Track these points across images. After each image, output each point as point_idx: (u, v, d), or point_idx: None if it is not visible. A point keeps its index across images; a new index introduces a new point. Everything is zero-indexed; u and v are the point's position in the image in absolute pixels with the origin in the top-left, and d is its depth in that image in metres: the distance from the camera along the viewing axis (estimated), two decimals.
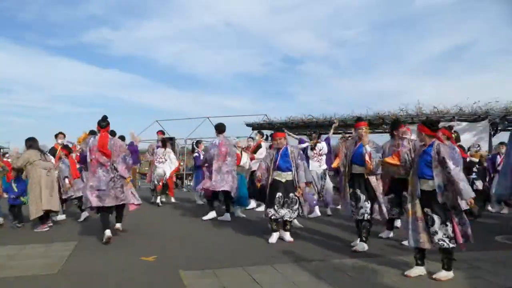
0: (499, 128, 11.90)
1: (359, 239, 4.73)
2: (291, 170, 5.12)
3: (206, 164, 8.62)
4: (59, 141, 7.74)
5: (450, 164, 3.39)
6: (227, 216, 6.84)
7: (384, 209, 4.71)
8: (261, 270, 3.80)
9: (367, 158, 4.50)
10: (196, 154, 9.44)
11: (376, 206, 4.68)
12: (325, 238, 5.37)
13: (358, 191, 4.66)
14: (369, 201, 4.61)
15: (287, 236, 5.12)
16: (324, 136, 8.19)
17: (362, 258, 4.27)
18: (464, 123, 11.36)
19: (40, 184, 5.83)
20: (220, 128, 7.22)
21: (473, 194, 3.40)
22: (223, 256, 4.42)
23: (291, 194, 5.04)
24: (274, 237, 5.09)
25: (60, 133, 7.87)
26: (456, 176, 3.36)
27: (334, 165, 5.42)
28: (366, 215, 4.59)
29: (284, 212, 5.01)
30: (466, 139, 8.82)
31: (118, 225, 5.65)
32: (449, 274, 3.51)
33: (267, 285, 3.37)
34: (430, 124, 3.66)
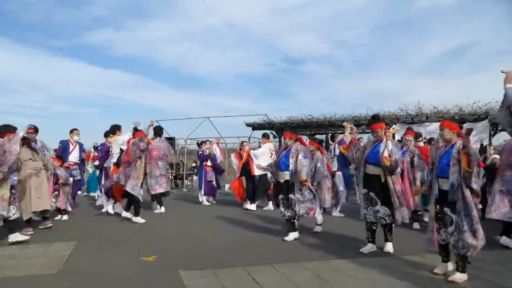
0: (499, 128, 11.90)
1: (385, 240, 4.60)
2: (288, 170, 5.11)
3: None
4: (75, 137, 7.73)
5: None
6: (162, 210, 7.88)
7: (398, 215, 4.45)
8: (261, 270, 3.80)
9: (385, 154, 4.34)
10: (200, 152, 9.51)
11: (391, 211, 4.47)
12: (325, 238, 5.36)
13: (373, 194, 4.52)
14: (385, 205, 4.45)
15: (288, 235, 5.11)
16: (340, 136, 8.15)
17: (363, 258, 4.27)
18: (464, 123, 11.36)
19: (26, 185, 5.51)
20: (156, 132, 7.86)
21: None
22: (223, 256, 4.42)
23: (290, 195, 5.05)
24: (290, 236, 5.12)
25: (75, 129, 7.81)
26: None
27: (341, 148, 5.40)
28: (386, 218, 4.44)
29: (288, 213, 5.07)
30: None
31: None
32: (464, 276, 3.46)
33: (267, 285, 3.37)
34: (461, 123, 3.73)
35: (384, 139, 4.56)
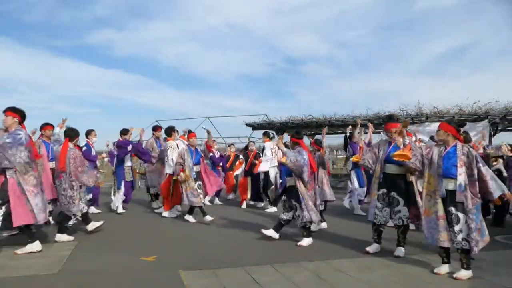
0: (499, 128, 11.89)
1: (397, 244, 4.49)
2: (291, 175, 5.03)
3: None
4: (94, 139, 7.42)
5: (480, 164, 3.60)
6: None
7: (418, 216, 4.32)
8: (261, 270, 3.80)
9: (406, 151, 4.14)
10: (211, 154, 9.50)
11: (413, 211, 4.37)
12: (325, 238, 5.36)
13: (394, 194, 4.41)
14: (407, 205, 4.37)
15: (302, 240, 4.98)
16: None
17: (362, 258, 4.27)
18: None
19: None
20: (167, 133, 7.64)
21: (505, 189, 3.62)
22: (223, 256, 4.42)
23: (291, 200, 5.01)
24: (269, 231, 5.09)
25: (92, 130, 7.46)
26: (486, 173, 3.59)
27: (354, 159, 5.45)
28: (405, 219, 4.36)
29: (286, 216, 5.06)
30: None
31: None
32: (469, 273, 3.55)
33: (267, 285, 3.38)
34: (459, 126, 3.84)
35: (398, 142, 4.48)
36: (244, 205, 8.67)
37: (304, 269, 3.88)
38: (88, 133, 7.46)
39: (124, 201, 7.77)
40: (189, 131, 7.23)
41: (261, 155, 8.72)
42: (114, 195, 7.76)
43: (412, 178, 4.43)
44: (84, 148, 7.18)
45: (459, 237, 3.56)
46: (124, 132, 7.71)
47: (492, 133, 11.61)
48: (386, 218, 4.47)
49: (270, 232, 5.09)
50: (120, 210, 7.56)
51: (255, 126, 15.02)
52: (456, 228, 3.58)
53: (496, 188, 3.59)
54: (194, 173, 6.65)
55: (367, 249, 4.55)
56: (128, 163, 7.78)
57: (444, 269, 3.71)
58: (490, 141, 11.27)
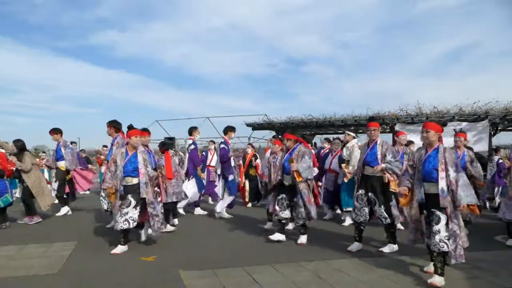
0: (499, 128, 11.89)
1: (354, 240, 4.67)
2: (289, 174, 5.01)
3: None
4: (197, 136, 7.34)
5: (451, 171, 3.40)
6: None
7: (397, 215, 4.55)
8: (261, 270, 3.80)
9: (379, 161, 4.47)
10: (203, 152, 9.45)
11: (392, 211, 4.51)
12: (325, 238, 5.36)
13: (372, 195, 4.54)
14: (383, 206, 4.48)
15: (300, 238, 5.03)
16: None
17: (362, 258, 4.27)
18: (464, 123, 11.34)
19: (42, 183, 6.69)
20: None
21: (468, 201, 3.31)
22: (223, 256, 4.42)
23: (294, 199, 4.97)
24: (276, 236, 5.02)
25: (196, 128, 7.26)
26: (453, 181, 3.38)
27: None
28: (383, 220, 4.51)
29: (283, 214, 5.02)
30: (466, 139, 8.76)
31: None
32: (442, 280, 3.35)
33: (267, 285, 3.38)
34: (443, 125, 3.67)
35: (379, 140, 4.64)
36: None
37: (304, 269, 3.88)
38: (193, 130, 7.26)
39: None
40: (143, 129, 5.26)
41: (258, 157, 8.71)
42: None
43: (390, 179, 4.49)
44: (192, 147, 7.20)
45: (437, 237, 3.36)
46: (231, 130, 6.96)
47: (492, 133, 11.60)
48: (366, 217, 4.61)
49: (277, 236, 5.02)
50: (224, 215, 7.08)
51: (255, 126, 15.04)
52: (435, 228, 3.39)
53: (463, 197, 3.33)
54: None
55: (349, 248, 4.62)
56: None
57: (431, 267, 3.59)
58: (490, 141, 11.28)
